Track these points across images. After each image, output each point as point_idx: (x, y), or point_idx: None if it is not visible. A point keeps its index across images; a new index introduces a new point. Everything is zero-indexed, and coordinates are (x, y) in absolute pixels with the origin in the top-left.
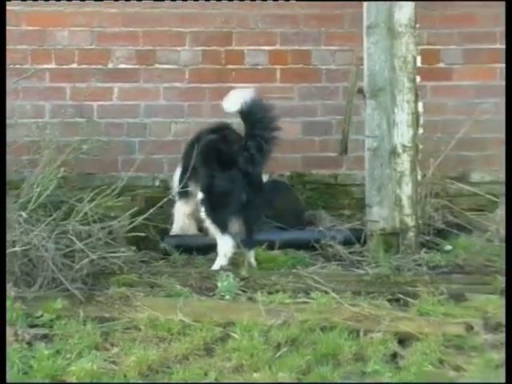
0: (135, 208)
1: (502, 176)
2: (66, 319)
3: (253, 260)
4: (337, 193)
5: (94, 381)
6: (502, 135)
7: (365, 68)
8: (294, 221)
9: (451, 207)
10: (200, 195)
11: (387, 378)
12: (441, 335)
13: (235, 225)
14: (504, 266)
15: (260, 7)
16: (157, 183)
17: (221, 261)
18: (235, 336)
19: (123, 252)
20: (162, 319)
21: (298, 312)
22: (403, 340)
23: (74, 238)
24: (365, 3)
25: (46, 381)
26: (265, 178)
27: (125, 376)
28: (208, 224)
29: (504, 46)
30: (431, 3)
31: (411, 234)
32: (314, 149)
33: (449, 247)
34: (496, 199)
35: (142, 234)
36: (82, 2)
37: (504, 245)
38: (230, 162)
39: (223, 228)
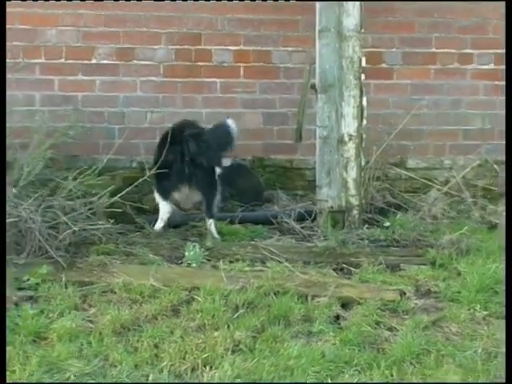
0: (113, 186)
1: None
2: (49, 283)
3: (213, 228)
4: (292, 175)
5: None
6: (436, 127)
7: (317, 67)
8: (254, 199)
9: (391, 189)
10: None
11: (330, 336)
12: (378, 300)
13: (179, 194)
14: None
15: (226, 12)
16: (134, 165)
17: (159, 222)
18: (199, 299)
19: (102, 224)
20: (135, 284)
21: (255, 279)
22: (346, 304)
23: (58, 212)
24: (317, 10)
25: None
26: (228, 161)
27: (100, 333)
28: (154, 194)
29: (440, 50)
30: (375, 12)
31: (355, 212)
32: (272, 136)
33: (387, 224)
34: (429, 183)
35: (119, 210)
36: (70, 4)
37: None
38: (177, 147)
39: (163, 196)
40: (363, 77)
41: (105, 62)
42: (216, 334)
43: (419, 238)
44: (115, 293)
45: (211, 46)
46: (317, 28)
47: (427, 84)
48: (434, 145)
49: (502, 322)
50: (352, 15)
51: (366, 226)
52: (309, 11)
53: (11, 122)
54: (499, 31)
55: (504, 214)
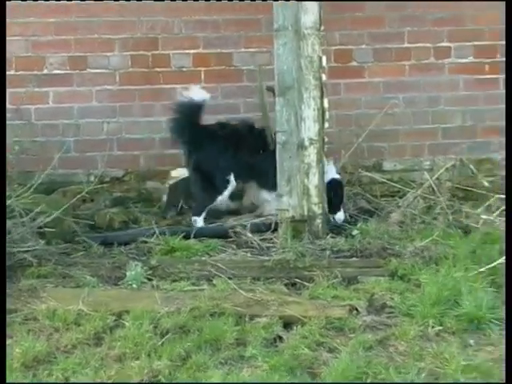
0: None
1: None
2: None
3: None
4: None
5: None
6: (413, 126)
7: (275, 68)
8: (214, 211)
9: (364, 194)
10: None
11: (262, 362)
12: (324, 318)
13: None
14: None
15: (182, 14)
16: (92, 179)
17: None
18: (126, 324)
19: (39, 245)
20: (62, 310)
21: (193, 299)
22: (288, 324)
23: None
24: (274, 8)
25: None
26: (186, 172)
27: (9, 367)
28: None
29: (413, 45)
30: (342, 7)
31: (318, 221)
32: None
33: (355, 232)
34: (399, 186)
35: (53, 230)
36: (17, 13)
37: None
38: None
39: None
40: (324, 77)
41: (57, 71)
42: (134, 363)
43: (385, 247)
44: (38, 320)
45: (169, 51)
46: (274, 27)
47: (402, 81)
48: (411, 145)
49: (456, 338)
50: (311, 12)
51: (331, 235)
52: (270, 9)
53: None
54: (479, 22)
55: (483, 216)
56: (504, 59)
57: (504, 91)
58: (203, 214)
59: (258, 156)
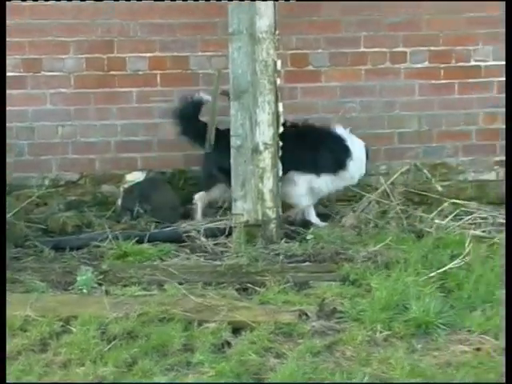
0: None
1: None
2: None
3: None
4: None
5: None
6: (369, 131)
7: (230, 72)
8: (170, 215)
9: (320, 199)
10: None
11: (208, 368)
12: (273, 323)
13: None
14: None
15: (137, 17)
16: (46, 182)
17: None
18: (73, 330)
19: None
20: (7, 315)
21: (142, 304)
22: (237, 329)
23: None
24: (229, 11)
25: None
26: (142, 175)
27: None
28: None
29: (369, 49)
30: (298, 11)
31: (272, 226)
32: (193, 147)
33: (310, 236)
34: (361, 191)
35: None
36: None
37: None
38: None
39: None
40: (279, 81)
41: (11, 74)
42: (79, 370)
43: (339, 252)
44: None
45: (125, 54)
46: (229, 31)
47: (358, 85)
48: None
49: (404, 343)
50: (266, 16)
51: (285, 239)
52: (227, 13)
53: None
54: (434, 27)
55: (436, 221)
56: (459, 64)
57: (458, 96)
58: None
59: None
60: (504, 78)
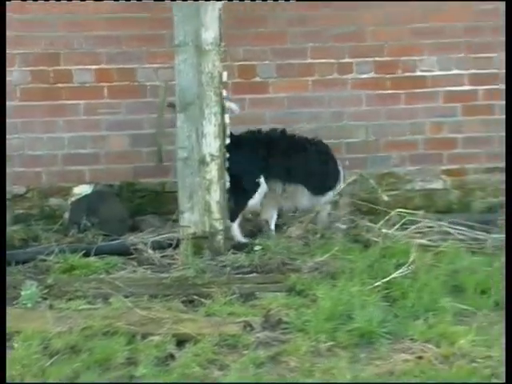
0: None
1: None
2: None
3: None
4: (165, 199)
5: None
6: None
7: (176, 84)
8: (118, 227)
9: None
10: None
11: (151, 381)
12: (218, 335)
13: None
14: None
15: (81, 29)
16: None
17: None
18: (15, 345)
19: None
20: None
21: (86, 318)
22: (182, 341)
23: None
24: (175, 23)
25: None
26: (89, 188)
27: None
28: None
29: (316, 60)
30: (245, 22)
31: (220, 237)
32: (142, 159)
33: (258, 247)
34: None
35: None
36: None
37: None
38: None
39: None
40: (224, 92)
41: None
42: None
43: (286, 262)
44: None
45: (71, 66)
46: (175, 43)
47: (305, 96)
48: None
49: (347, 353)
50: (211, 28)
51: (233, 251)
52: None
53: None
54: (378, 38)
55: (383, 231)
56: (405, 74)
57: (404, 106)
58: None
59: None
60: (450, 88)
